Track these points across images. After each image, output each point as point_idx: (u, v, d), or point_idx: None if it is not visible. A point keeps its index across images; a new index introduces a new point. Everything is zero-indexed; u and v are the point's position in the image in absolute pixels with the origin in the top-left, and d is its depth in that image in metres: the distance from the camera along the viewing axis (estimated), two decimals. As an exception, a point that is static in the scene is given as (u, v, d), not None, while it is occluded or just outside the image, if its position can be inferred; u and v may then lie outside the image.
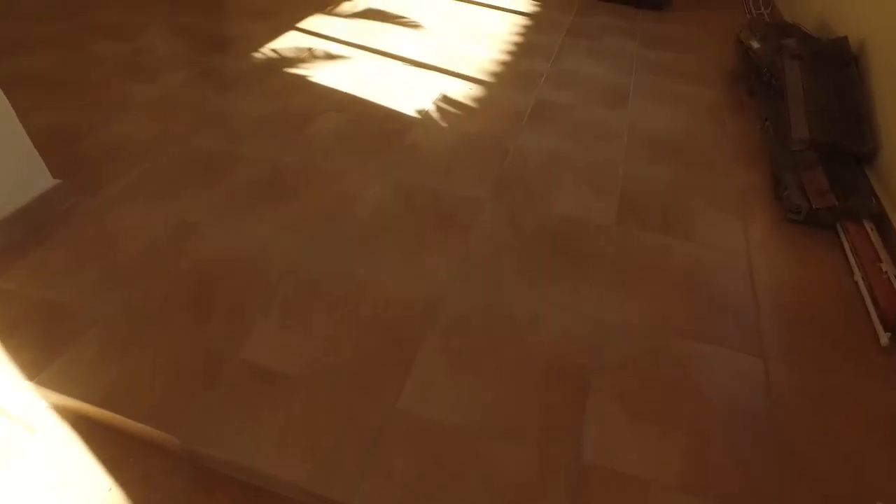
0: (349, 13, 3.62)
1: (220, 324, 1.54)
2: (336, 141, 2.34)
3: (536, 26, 3.46)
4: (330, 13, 3.61)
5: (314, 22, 3.48)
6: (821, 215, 1.92)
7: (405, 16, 3.58)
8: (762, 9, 3.81)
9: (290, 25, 3.45)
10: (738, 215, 1.98)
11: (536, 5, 3.80)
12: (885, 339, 1.54)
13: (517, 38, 3.28)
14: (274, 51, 3.11)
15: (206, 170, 2.16)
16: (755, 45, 2.80)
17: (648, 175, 2.16)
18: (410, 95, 2.67)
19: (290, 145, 2.31)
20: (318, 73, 2.87)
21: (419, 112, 2.53)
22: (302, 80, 2.82)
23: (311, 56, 3.05)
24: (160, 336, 1.51)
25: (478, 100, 2.63)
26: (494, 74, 2.86)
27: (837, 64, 2.32)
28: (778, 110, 2.39)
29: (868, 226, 1.88)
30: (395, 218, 1.93)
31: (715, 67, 3.02)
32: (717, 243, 1.87)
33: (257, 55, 3.08)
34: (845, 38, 2.39)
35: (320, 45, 3.18)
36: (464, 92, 2.69)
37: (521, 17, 3.61)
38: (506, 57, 3.05)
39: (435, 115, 2.51)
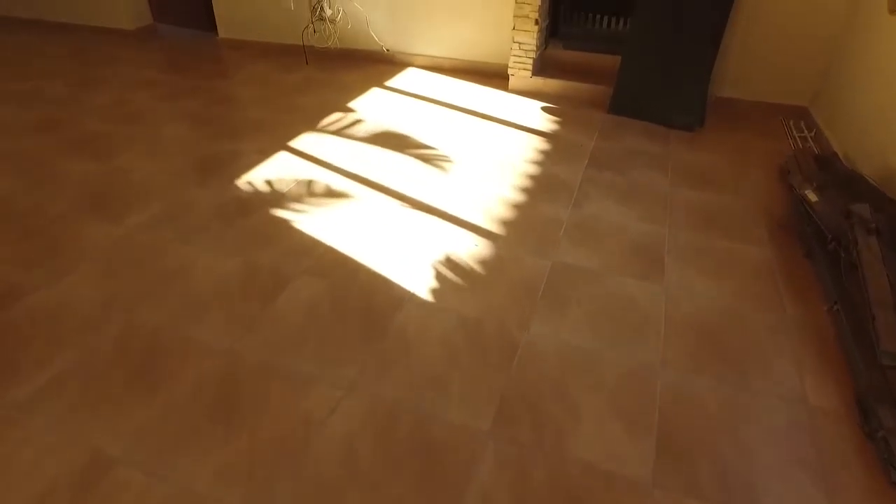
0: (349, 132, 3.30)
1: None
2: (308, 323, 1.93)
3: (556, 152, 3.10)
4: (330, 132, 3.29)
5: (314, 142, 3.16)
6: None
7: (410, 135, 3.24)
8: (804, 131, 3.43)
9: (284, 144, 3.14)
10: (815, 475, 1.50)
11: (556, 122, 3.46)
12: None
13: (534, 169, 2.91)
14: (260, 180, 2.77)
15: (144, 367, 1.76)
16: (812, 198, 2.38)
17: (693, 392, 1.71)
18: (407, 253, 2.28)
19: (253, 327, 1.91)
20: (304, 215, 2.50)
21: (414, 281, 2.12)
22: (283, 224, 2.45)
23: (299, 189, 2.70)
24: None
25: (484, 263, 2.22)
26: (506, 223, 2.47)
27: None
28: (850, 294, 1.95)
29: None
30: (367, 463, 1.49)
31: (760, 212, 2.61)
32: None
33: (241, 184, 2.74)
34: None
35: (314, 173, 2.84)
36: (469, 250, 2.29)
37: (539, 137, 3.26)
38: (520, 197, 2.67)
39: (432, 286, 2.10)
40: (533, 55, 3.74)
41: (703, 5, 3.16)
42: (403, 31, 4.25)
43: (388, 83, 4.03)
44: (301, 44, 4.50)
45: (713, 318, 1.99)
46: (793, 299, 2.10)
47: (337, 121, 3.42)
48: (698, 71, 3.30)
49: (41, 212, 2.55)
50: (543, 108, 3.64)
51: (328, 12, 4.28)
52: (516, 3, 3.62)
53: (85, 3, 5.36)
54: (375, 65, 4.37)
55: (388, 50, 4.35)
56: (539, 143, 3.19)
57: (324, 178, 2.81)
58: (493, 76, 4.10)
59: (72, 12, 5.49)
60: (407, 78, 4.13)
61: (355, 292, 2.07)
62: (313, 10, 4.30)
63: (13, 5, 5.83)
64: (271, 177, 2.82)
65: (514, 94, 3.85)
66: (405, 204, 2.61)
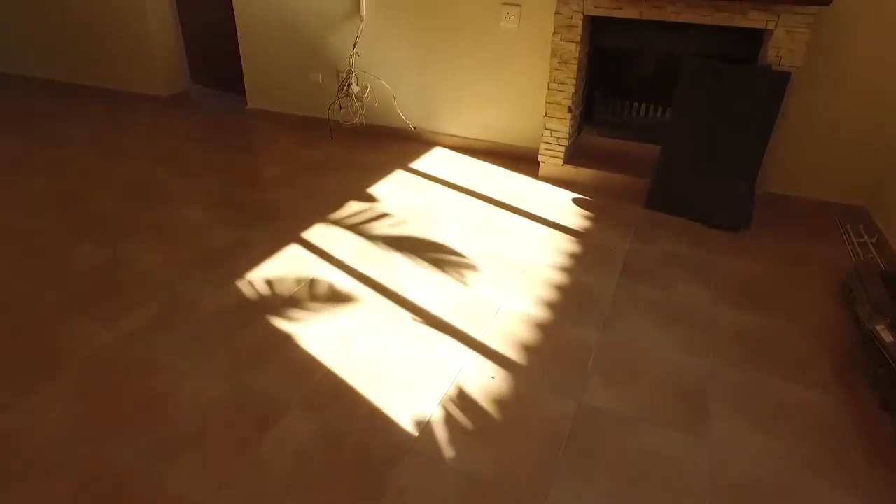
0: (365, 226, 3.12)
1: None
2: (294, 474, 1.69)
3: (587, 255, 2.85)
4: (346, 224, 3.12)
5: (327, 235, 2.98)
6: None
7: (430, 232, 3.05)
8: (864, 236, 3.12)
9: (296, 235, 2.97)
10: None
11: (588, 217, 3.22)
12: None
13: (562, 278, 2.66)
14: (265, 279, 2.58)
15: (98, 533, 1.53)
16: (888, 337, 2.07)
17: None
18: (415, 382, 2.03)
19: (231, 477, 1.67)
20: (307, 326, 2.29)
21: (418, 424, 1.87)
22: (283, 337, 2.24)
23: (304, 293, 2.50)
24: None
25: (501, 403, 1.96)
26: (528, 349, 2.21)
27: None
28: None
29: None
30: None
31: (820, 343, 2.29)
32: None
33: (245, 284, 2.55)
34: None
35: (323, 271, 2.64)
36: (485, 383, 2.03)
37: (569, 236, 3.02)
38: (545, 314, 2.41)
39: (439, 432, 1.84)
40: (565, 143, 3.54)
41: (751, 96, 2.93)
42: (431, 110, 4.13)
43: (413, 164, 3.88)
44: (327, 118, 4.42)
45: (766, 487, 1.68)
46: (867, 464, 1.77)
47: (354, 211, 3.25)
48: (744, 166, 3.05)
49: (30, 307, 2.40)
50: (575, 200, 3.41)
51: (355, 89, 4.20)
52: (549, 89, 3.46)
53: (121, 69, 5.43)
54: (401, 143, 4.24)
55: (415, 128, 4.22)
56: (569, 244, 2.95)
57: (332, 278, 2.61)
58: (523, 160, 3.92)
59: (109, 77, 5.57)
60: (433, 159, 3.98)
61: (352, 435, 1.82)
62: (340, 86, 4.23)
63: (51, 68, 5.96)
64: (277, 275, 2.63)
65: (544, 181, 3.65)
66: (417, 318, 2.37)
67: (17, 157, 4.02)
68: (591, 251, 2.90)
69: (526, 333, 2.29)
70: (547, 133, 3.56)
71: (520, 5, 3.59)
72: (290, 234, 2.99)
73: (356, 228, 3.06)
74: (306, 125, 4.59)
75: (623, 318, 2.40)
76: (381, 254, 2.83)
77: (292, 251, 2.83)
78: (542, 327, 2.33)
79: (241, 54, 4.71)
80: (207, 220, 3.13)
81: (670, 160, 3.24)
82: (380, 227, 3.07)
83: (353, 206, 3.29)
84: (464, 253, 2.85)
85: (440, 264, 2.75)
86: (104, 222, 3.10)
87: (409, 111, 4.21)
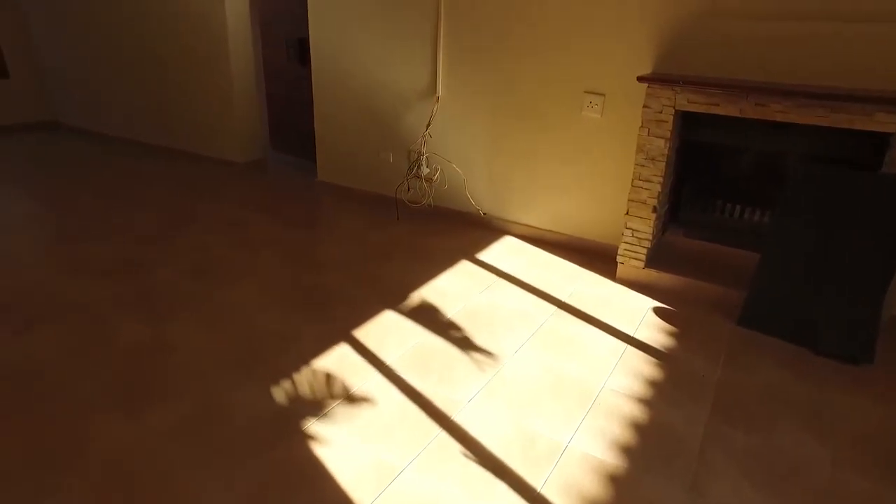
0: (422, 328, 2.87)
1: None
2: None
3: (669, 382, 2.47)
4: (402, 324, 2.88)
5: (381, 334, 2.75)
6: None
7: (490, 343, 2.76)
8: None
9: (347, 333, 2.75)
10: None
11: (671, 332, 2.84)
12: None
13: (639, 411, 2.28)
14: (307, 385, 2.35)
15: None
16: None
17: None
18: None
19: None
20: (343, 451, 2.02)
21: None
22: (315, 463, 1.97)
23: (345, 406, 2.25)
24: None
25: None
26: (595, 508, 1.83)
27: None
28: None
29: None
30: None
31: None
32: None
33: (281, 388, 2.33)
34: None
35: (368, 380, 2.39)
36: (540, 554, 1.67)
37: (648, 356, 2.65)
38: (617, 460, 2.04)
39: None
40: (647, 244, 3.21)
41: (876, 208, 2.53)
42: (502, 196, 3.92)
43: (480, 254, 3.64)
44: (395, 197, 4.29)
45: None
46: None
47: (412, 305, 3.02)
48: (866, 286, 2.61)
49: (63, 396, 2.26)
50: (656, 310, 3.04)
51: (425, 170, 4.06)
52: (632, 186, 3.17)
53: (205, 135, 5.61)
54: (469, 229, 4.03)
55: (484, 214, 4.01)
56: (648, 366, 2.58)
57: (378, 389, 2.35)
58: (598, 256, 3.60)
59: (193, 142, 5.77)
60: (501, 249, 3.73)
61: None
62: (411, 166, 4.10)
63: (145, 131, 6.26)
64: (321, 380, 2.40)
65: (621, 284, 3.31)
66: (468, 452, 2.05)
67: (92, 220, 4.10)
68: (675, 377, 2.51)
69: (594, 487, 1.92)
70: (628, 233, 3.25)
71: (604, 95, 3.37)
72: (342, 328, 2.78)
73: (411, 329, 2.81)
74: (374, 203, 4.48)
75: (715, 473, 1.99)
76: (434, 363, 2.55)
77: (341, 351, 2.61)
78: (615, 480, 1.95)
79: (315, 127, 4.72)
80: (258, 303, 2.97)
81: (771, 271, 2.83)
82: (436, 329, 2.81)
83: (411, 301, 3.06)
84: (526, 369, 2.53)
85: (499, 383, 2.44)
86: (154, 297, 3.01)
87: (478, 196, 4.01)
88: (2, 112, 7.03)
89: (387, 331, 2.78)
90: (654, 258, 3.34)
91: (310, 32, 4.44)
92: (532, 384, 2.42)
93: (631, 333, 2.83)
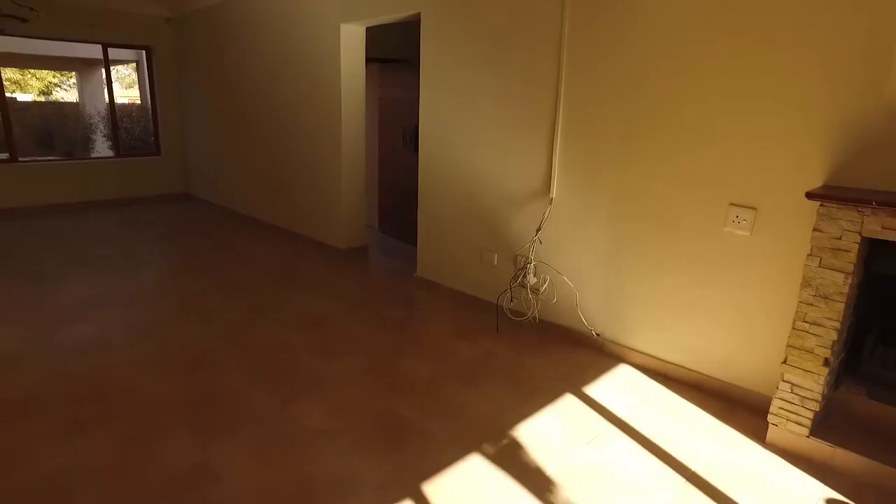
0: (508, 480, 2.29)
1: None
2: None
3: None
4: (484, 476, 2.33)
5: (455, 491, 2.21)
6: None
7: (596, 519, 2.11)
8: None
9: (415, 486, 2.24)
10: None
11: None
12: None
13: None
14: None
15: None
16: None
17: None
18: None
19: None
20: None
21: None
22: None
23: None
24: None
25: None
26: None
27: None
28: None
29: None
30: None
31: None
32: None
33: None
34: None
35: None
36: None
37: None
38: None
39: None
40: (814, 406, 2.45)
41: None
42: (621, 317, 3.31)
43: (589, 388, 3.02)
44: (496, 305, 3.82)
45: None
46: None
47: (498, 453, 2.46)
48: None
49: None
50: (830, 503, 2.24)
51: (532, 280, 3.57)
52: (794, 329, 2.46)
53: (312, 220, 5.58)
54: (578, 351, 3.44)
55: (598, 335, 3.41)
56: None
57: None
58: (741, 407, 2.85)
59: (300, 224, 5.76)
60: (615, 382, 3.09)
61: None
62: (516, 274, 3.64)
63: (250, 205, 6.42)
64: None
65: (774, 453, 2.53)
66: None
67: (180, 305, 4.02)
68: None
69: None
70: (785, 387, 2.51)
71: (755, 209, 2.75)
72: (411, 477, 2.27)
73: (495, 488, 2.24)
74: (471, 307, 4.03)
75: None
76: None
77: (406, 512, 2.10)
78: None
79: (418, 220, 4.44)
80: (322, 428, 2.57)
81: None
82: (530, 489, 2.22)
83: (498, 446, 2.50)
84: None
85: None
86: (213, 406, 2.72)
87: (592, 314, 3.43)
88: (153, 184, 7.69)
89: (465, 488, 2.23)
90: (824, 425, 2.54)
91: (419, 120, 4.24)
92: None
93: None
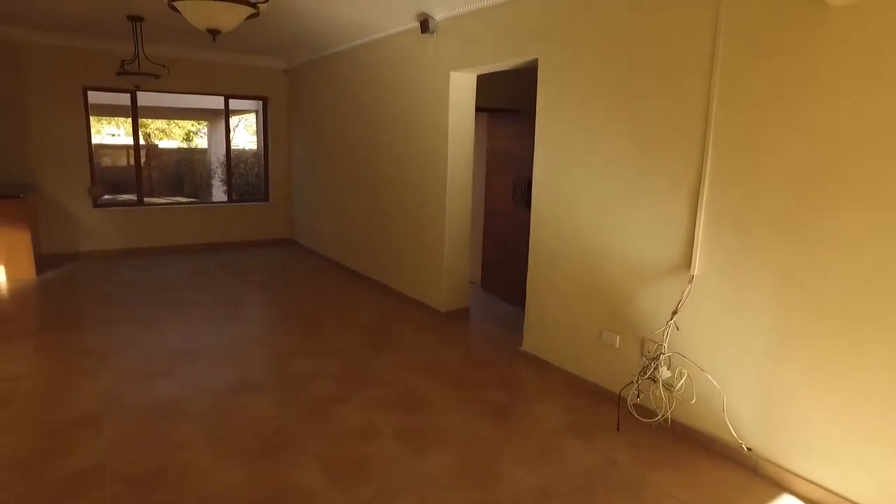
0: None
1: None
2: None
3: None
4: None
5: None
6: None
7: None
8: None
9: None
10: None
11: None
12: None
13: None
14: None
15: None
16: None
17: None
18: None
19: None
20: None
21: None
22: None
23: None
24: None
25: None
26: None
27: None
28: None
29: None
30: None
31: None
32: None
33: None
34: None
35: None
36: None
37: None
38: None
39: None
40: None
41: None
42: (782, 429, 2.59)
43: (742, 528, 2.32)
44: (618, 397, 3.20)
45: None
46: None
47: None
48: None
49: None
50: None
51: (665, 374, 2.93)
52: None
53: (412, 279, 5.28)
54: (722, 468, 2.73)
55: (749, 450, 2.70)
56: None
57: None
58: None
59: (401, 282, 5.48)
60: (778, 524, 2.37)
61: None
62: (645, 366, 3.01)
63: (350, 257, 6.24)
64: None
65: None
66: None
67: (264, 367, 3.76)
68: None
69: None
70: None
71: None
72: None
73: None
74: (587, 396, 3.43)
75: None
76: None
77: None
78: None
79: (527, 286, 3.95)
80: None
81: None
82: None
83: None
84: None
85: None
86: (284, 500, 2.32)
87: (743, 423, 2.73)
88: (261, 229, 7.83)
89: None
90: None
91: (534, 173, 3.80)
92: None
93: None
